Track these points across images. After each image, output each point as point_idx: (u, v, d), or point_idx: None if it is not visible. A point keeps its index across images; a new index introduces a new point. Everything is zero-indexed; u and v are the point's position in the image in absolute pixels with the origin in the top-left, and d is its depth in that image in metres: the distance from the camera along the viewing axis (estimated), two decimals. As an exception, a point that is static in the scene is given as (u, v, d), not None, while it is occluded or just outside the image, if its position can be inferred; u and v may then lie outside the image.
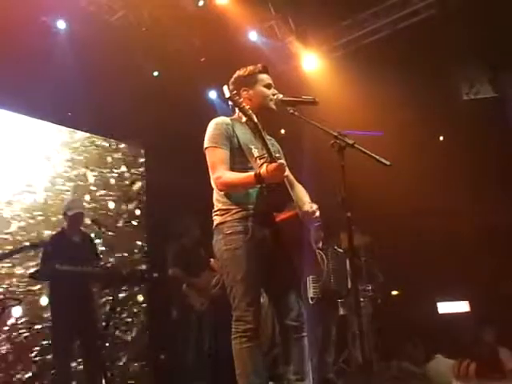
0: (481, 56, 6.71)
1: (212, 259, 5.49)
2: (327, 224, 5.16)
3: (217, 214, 2.81)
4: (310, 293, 4.96)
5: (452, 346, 6.33)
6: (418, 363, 6.31)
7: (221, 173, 2.71)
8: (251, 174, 2.62)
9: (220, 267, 2.82)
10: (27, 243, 5.03)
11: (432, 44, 6.30)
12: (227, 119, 2.87)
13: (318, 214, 2.83)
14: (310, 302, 4.89)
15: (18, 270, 5.38)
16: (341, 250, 5.39)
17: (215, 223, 2.80)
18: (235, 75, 2.97)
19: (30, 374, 5.20)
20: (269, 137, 3.02)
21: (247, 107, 2.68)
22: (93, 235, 5.41)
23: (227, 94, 2.69)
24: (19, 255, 5.07)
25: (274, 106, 2.87)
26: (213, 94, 7.27)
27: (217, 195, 2.84)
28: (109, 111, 6.01)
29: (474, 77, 6.94)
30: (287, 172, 2.72)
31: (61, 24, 5.72)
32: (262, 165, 2.64)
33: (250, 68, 2.95)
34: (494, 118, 6.94)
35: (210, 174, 2.77)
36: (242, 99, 2.73)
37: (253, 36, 6.51)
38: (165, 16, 5.80)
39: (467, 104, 6.98)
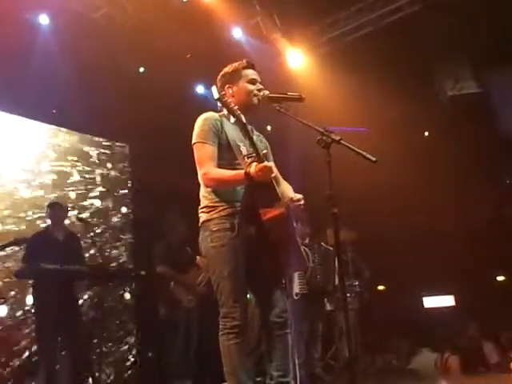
0: (465, 52, 6.77)
1: (198, 257, 5.47)
2: (313, 220, 5.19)
3: (203, 211, 2.78)
4: (296, 289, 4.97)
5: (437, 340, 6.41)
6: (403, 356, 6.38)
7: (208, 169, 2.70)
8: (241, 171, 2.61)
9: (206, 264, 2.81)
10: (10, 240, 4.97)
11: (417, 40, 6.34)
12: (216, 115, 2.85)
13: (302, 202, 2.81)
14: (295, 297, 4.89)
15: (2, 268, 5.32)
16: (327, 246, 5.41)
17: (201, 220, 2.78)
18: (221, 73, 2.96)
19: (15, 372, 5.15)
20: (257, 133, 3.01)
21: (236, 107, 2.67)
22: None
23: (216, 96, 2.68)
24: (2, 252, 5.01)
25: (256, 102, 2.84)
26: (200, 89, 7.25)
27: (204, 192, 2.81)
28: (94, 108, 5.95)
29: (459, 73, 6.99)
30: (275, 171, 2.71)
31: (44, 20, 5.65)
32: (250, 163, 2.62)
33: (235, 64, 2.94)
34: (479, 113, 7.00)
35: (198, 169, 2.75)
36: (230, 100, 2.72)
37: (238, 33, 6.50)
38: (150, 12, 5.76)
39: (452, 100, 7.03)
